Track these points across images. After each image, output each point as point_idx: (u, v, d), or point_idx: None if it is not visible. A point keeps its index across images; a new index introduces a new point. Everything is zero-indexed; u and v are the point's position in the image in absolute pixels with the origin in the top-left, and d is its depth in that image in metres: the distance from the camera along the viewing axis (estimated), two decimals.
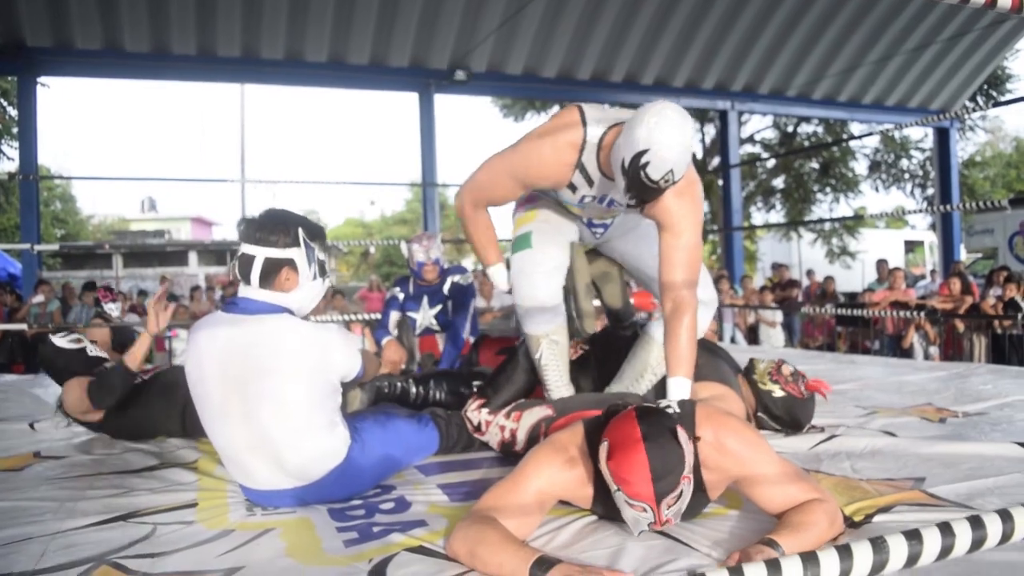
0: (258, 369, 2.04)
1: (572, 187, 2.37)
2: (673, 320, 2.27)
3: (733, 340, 9.33)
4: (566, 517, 1.90)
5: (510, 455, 2.51)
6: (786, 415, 2.75)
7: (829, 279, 10.82)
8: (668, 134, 1.99)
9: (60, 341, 3.08)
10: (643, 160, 2.01)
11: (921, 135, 19.38)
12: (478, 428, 2.63)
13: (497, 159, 2.43)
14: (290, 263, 2.15)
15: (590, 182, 2.34)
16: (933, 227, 19.41)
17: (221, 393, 2.07)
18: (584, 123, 2.26)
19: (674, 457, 1.59)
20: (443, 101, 11.43)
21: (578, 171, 2.31)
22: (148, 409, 2.99)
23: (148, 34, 9.46)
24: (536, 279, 2.55)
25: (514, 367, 2.72)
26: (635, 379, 2.65)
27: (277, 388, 2.05)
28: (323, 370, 2.13)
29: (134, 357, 2.89)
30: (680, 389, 2.21)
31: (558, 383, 2.62)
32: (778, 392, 2.74)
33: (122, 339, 3.52)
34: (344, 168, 78.43)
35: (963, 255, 15.43)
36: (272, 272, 2.13)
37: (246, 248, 2.15)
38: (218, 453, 2.20)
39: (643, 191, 2.07)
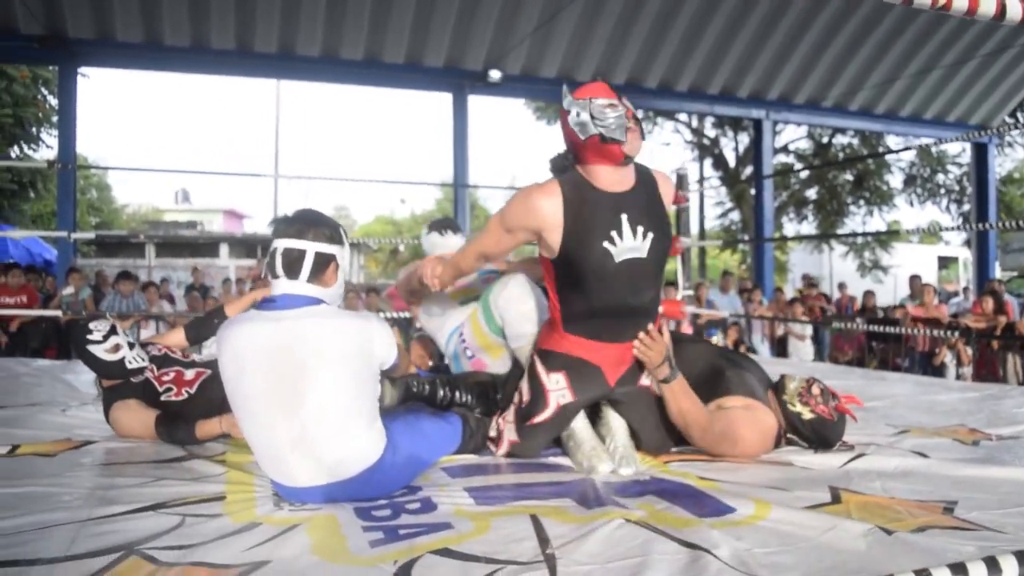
0: (304, 362, 2.07)
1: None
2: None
3: (752, 350, 9.25)
4: (592, 523, 1.89)
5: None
6: (814, 436, 2.73)
7: (869, 293, 10.69)
8: None
9: (98, 351, 2.92)
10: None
11: (958, 150, 19.15)
12: (497, 439, 2.69)
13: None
14: (334, 259, 2.24)
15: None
16: (968, 243, 19.16)
17: (265, 390, 2.08)
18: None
19: None
20: (476, 102, 11.46)
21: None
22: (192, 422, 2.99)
23: (188, 28, 9.60)
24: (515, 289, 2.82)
25: (520, 374, 2.76)
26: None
27: (323, 378, 2.07)
28: (365, 357, 2.17)
29: (205, 431, 2.80)
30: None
31: None
32: (808, 415, 2.71)
33: (198, 334, 3.31)
34: (375, 165, 78.88)
35: (998, 273, 15.20)
36: (322, 266, 2.20)
37: (292, 243, 2.18)
38: (254, 451, 2.20)
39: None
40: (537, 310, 2.81)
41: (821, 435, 2.72)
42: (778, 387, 2.82)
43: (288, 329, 2.10)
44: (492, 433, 2.73)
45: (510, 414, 2.67)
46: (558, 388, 2.53)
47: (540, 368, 2.56)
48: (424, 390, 2.88)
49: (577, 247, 2.36)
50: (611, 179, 2.40)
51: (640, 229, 2.41)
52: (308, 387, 2.06)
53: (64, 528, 1.85)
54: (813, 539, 1.80)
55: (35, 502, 2.06)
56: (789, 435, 2.78)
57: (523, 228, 2.42)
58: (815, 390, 2.75)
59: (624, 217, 2.38)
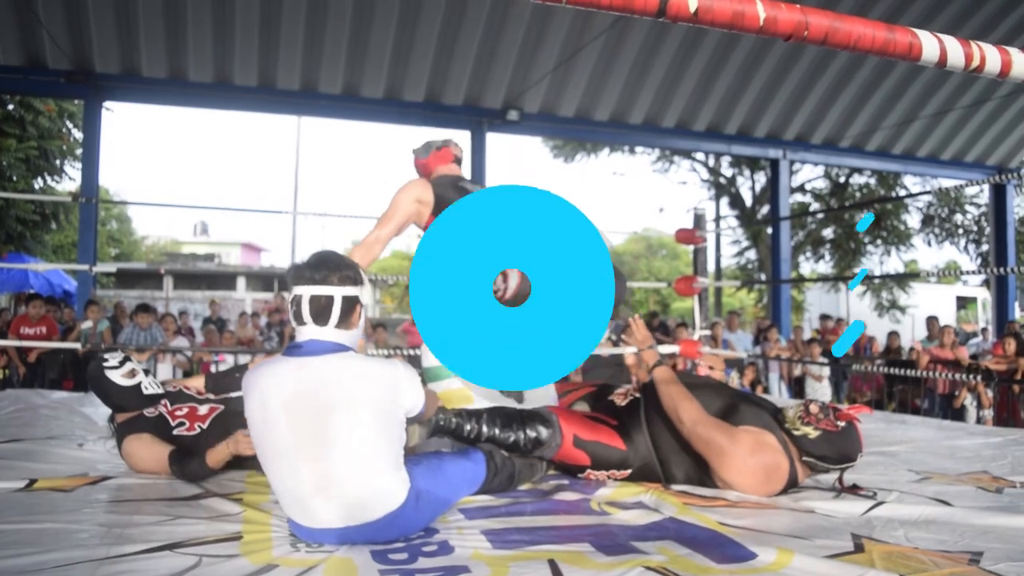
0: (331, 408, 2.06)
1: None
2: None
3: (768, 390, 9.19)
4: (612, 570, 1.86)
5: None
6: (831, 452, 2.70)
7: (893, 335, 10.59)
8: None
9: (116, 376, 2.96)
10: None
11: (976, 190, 19.06)
12: None
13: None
14: (358, 300, 2.25)
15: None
16: (987, 283, 19.01)
17: (291, 435, 2.07)
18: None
19: None
20: (495, 140, 11.54)
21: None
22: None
23: (211, 65, 9.75)
24: None
25: None
26: None
27: (350, 425, 2.06)
28: (392, 404, 2.16)
29: (215, 458, 2.77)
30: None
31: None
32: (813, 433, 2.70)
33: (217, 386, 3.35)
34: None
35: (1017, 314, 15.05)
36: (349, 310, 2.21)
37: (318, 290, 2.18)
38: (277, 494, 2.19)
39: None
40: None
41: (835, 447, 2.69)
42: (779, 420, 2.81)
43: (315, 376, 2.09)
44: None
45: None
46: None
47: None
48: (451, 424, 2.86)
49: (444, 193, 3.25)
50: (451, 171, 3.48)
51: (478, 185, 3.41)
52: (334, 433, 2.05)
53: (82, 567, 1.85)
54: None
55: (53, 539, 2.05)
56: (806, 459, 2.74)
57: (410, 200, 3.25)
58: (813, 408, 2.75)
59: (466, 182, 3.43)
